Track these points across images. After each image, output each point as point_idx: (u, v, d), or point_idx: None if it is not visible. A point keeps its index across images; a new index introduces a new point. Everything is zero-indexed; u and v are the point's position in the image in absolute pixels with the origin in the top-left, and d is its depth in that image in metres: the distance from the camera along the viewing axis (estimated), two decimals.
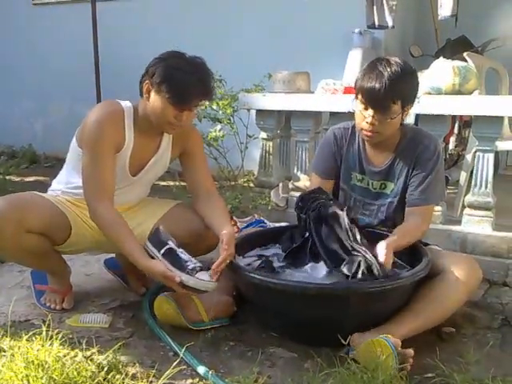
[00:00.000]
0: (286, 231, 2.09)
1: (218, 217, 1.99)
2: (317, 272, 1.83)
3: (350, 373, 1.48)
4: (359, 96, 1.87)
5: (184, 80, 1.82)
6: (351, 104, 1.93)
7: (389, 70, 1.80)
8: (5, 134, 5.88)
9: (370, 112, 1.84)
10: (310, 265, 1.86)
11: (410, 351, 1.56)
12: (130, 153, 1.98)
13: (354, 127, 2.05)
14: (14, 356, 1.52)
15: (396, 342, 1.56)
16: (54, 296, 2.06)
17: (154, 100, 1.87)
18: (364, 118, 1.86)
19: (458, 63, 2.72)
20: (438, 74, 2.68)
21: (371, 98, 1.82)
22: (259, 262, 1.96)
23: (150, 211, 2.12)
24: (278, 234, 2.12)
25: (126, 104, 1.99)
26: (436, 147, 1.96)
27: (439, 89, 2.66)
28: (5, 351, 1.60)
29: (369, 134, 1.89)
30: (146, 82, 1.88)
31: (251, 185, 3.61)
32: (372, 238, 1.88)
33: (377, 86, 1.79)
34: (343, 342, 1.60)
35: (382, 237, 1.87)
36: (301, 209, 1.91)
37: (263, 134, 3.20)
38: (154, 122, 1.92)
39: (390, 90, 1.78)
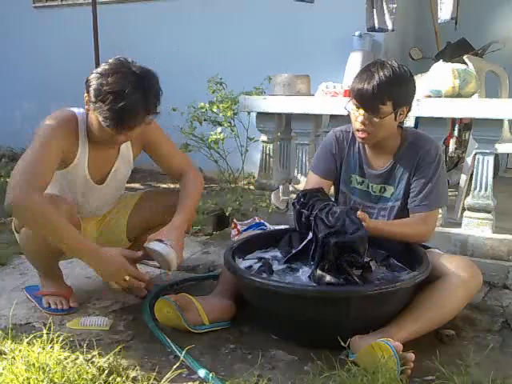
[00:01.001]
0: (286, 234, 2.09)
1: (178, 204, 1.99)
2: (305, 275, 1.84)
3: (350, 375, 1.49)
4: (352, 97, 1.91)
5: (116, 106, 1.73)
6: (346, 105, 1.95)
7: (380, 72, 1.84)
8: (6, 137, 5.89)
9: (361, 111, 1.88)
10: (303, 269, 1.87)
11: (411, 355, 1.56)
12: (87, 161, 1.96)
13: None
14: (14, 359, 1.52)
15: (397, 345, 1.55)
16: (58, 298, 2.05)
17: (93, 117, 1.84)
18: (356, 117, 1.90)
19: (458, 66, 2.73)
20: (438, 76, 2.69)
21: (360, 99, 1.87)
22: (259, 264, 1.97)
23: (122, 206, 2.17)
24: (278, 237, 2.12)
25: (80, 111, 1.95)
26: (437, 152, 1.97)
27: (439, 92, 2.67)
28: (6, 354, 1.61)
29: (361, 135, 1.92)
30: (85, 94, 1.83)
31: (251, 187, 3.61)
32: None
33: (365, 86, 1.84)
34: (343, 344, 1.60)
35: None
36: (303, 205, 1.88)
37: (263, 137, 3.21)
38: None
39: (379, 90, 1.82)
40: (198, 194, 2.07)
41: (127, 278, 1.83)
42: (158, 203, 2.11)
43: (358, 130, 1.93)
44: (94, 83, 1.78)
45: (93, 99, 1.78)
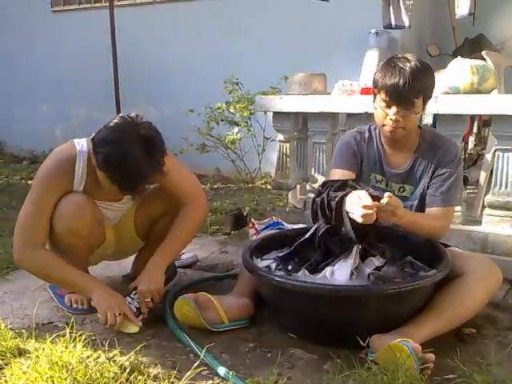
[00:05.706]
0: (304, 235, 2.08)
1: (167, 237, 2.01)
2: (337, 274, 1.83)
3: (370, 374, 1.48)
4: (382, 94, 1.87)
5: (125, 175, 1.77)
6: (372, 104, 1.94)
7: (408, 65, 1.83)
8: (26, 139, 6.00)
9: (394, 109, 1.85)
10: (327, 269, 1.86)
11: (431, 355, 1.54)
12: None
13: (369, 131, 2.07)
14: (38, 357, 1.56)
15: (415, 346, 1.53)
16: (80, 297, 2.08)
17: (101, 175, 1.85)
18: (386, 115, 1.88)
19: (476, 62, 2.70)
20: (456, 73, 2.66)
21: (395, 95, 1.83)
22: (277, 263, 1.97)
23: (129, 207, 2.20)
24: (296, 236, 2.12)
25: (83, 148, 1.94)
26: (457, 151, 1.99)
27: (457, 88, 2.64)
28: (30, 353, 1.65)
29: (392, 129, 1.89)
30: (93, 154, 1.84)
31: (269, 187, 3.62)
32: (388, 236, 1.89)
33: (399, 81, 1.81)
34: (362, 343, 1.59)
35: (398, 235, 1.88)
36: (318, 193, 1.87)
37: (280, 136, 3.21)
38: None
39: (414, 84, 1.81)
40: (190, 230, 2.08)
41: (118, 314, 1.86)
42: (158, 196, 2.13)
43: (387, 126, 1.90)
44: (101, 151, 1.78)
45: (101, 167, 1.81)
